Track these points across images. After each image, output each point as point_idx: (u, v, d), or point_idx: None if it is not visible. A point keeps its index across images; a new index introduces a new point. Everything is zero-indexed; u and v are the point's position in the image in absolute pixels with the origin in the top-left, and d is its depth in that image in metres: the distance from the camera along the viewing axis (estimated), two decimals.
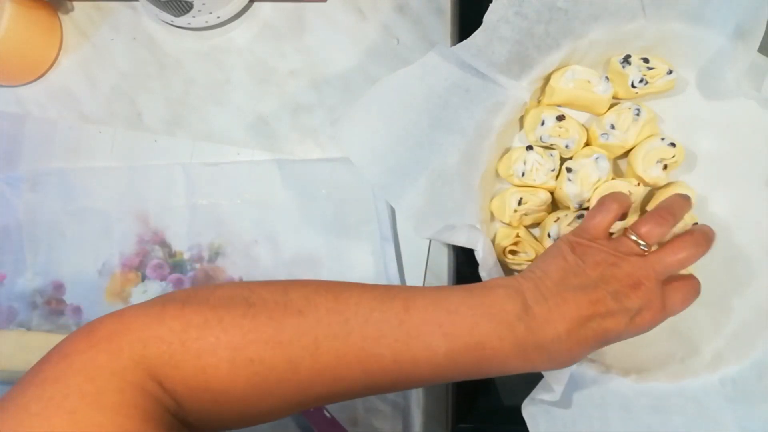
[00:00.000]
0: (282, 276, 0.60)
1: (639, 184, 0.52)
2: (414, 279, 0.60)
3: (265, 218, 0.61)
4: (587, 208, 0.52)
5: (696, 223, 0.52)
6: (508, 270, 0.55)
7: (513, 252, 0.53)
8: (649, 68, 0.52)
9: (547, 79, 0.54)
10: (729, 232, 0.55)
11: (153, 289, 0.61)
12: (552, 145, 0.53)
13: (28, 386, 0.34)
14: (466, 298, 0.39)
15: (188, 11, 0.59)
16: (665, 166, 0.52)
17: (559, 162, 0.53)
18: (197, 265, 0.61)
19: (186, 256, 0.61)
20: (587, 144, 0.54)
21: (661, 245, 0.44)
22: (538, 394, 0.48)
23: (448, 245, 0.58)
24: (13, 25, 0.58)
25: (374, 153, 0.51)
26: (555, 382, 0.47)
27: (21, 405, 0.32)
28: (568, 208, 0.53)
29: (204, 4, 0.59)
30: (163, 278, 0.61)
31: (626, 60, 0.53)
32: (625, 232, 0.44)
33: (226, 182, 0.61)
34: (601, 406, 0.51)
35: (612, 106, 0.54)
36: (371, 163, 0.51)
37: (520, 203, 0.52)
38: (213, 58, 0.63)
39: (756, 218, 0.54)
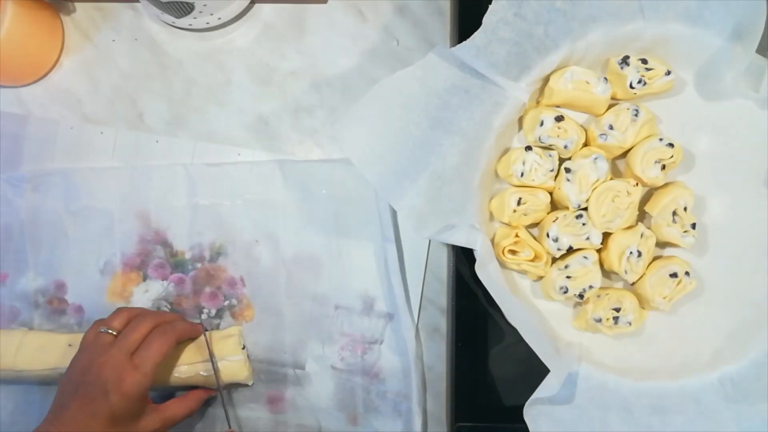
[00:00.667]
0: (283, 276, 0.60)
1: (637, 184, 0.52)
2: (414, 279, 0.60)
3: (266, 218, 0.61)
4: (586, 208, 0.53)
5: (694, 224, 0.52)
6: (506, 269, 0.55)
7: (512, 252, 0.53)
8: (648, 69, 0.53)
9: (546, 80, 0.54)
10: (727, 231, 0.55)
11: (154, 288, 0.61)
12: (551, 145, 0.53)
13: None
14: None
15: (189, 12, 0.60)
16: (663, 167, 0.52)
17: (557, 162, 0.54)
18: (198, 265, 0.61)
19: (187, 255, 0.61)
20: (586, 144, 0.55)
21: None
22: (539, 394, 0.48)
23: (448, 245, 0.59)
24: (14, 27, 0.58)
25: (374, 153, 0.51)
26: (555, 379, 0.47)
27: None
28: (566, 208, 0.53)
29: (205, 5, 0.59)
30: (164, 278, 0.61)
31: (625, 61, 0.53)
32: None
33: (228, 182, 0.62)
34: (601, 407, 0.51)
35: (610, 106, 0.54)
36: (371, 164, 0.51)
37: (519, 203, 0.53)
38: (214, 59, 0.64)
39: (754, 217, 0.55)
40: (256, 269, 0.61)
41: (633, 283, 0.54)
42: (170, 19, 0.61)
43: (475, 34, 0.50)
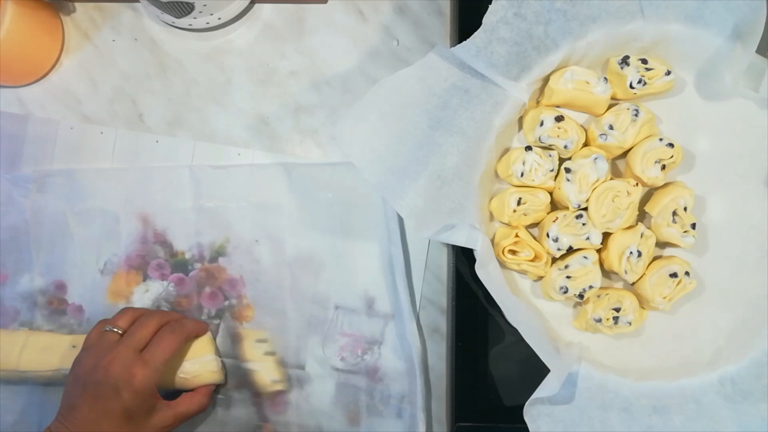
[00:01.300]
0: (283, 276, 0.60)
1: (637, 184, 0.52)
2: (414, 279, 0.60)
3: (269, 220, 0.61)
4: (586, 208, 0.53)
5: (694, 224, 0.52)
6: (506, 269, 0.55)
7: (512, 252, 0.53)
8: (648, 69, 0.53)
9: (546, 80, 0.54)
10: (727, 231, 0.55)
11: (154, 288, 0.61)
12: (551, 145, 0.53)
13: None
14: None
15: (189, 12, 0.60)
16: (663, 167, 0.52)
17: (557, 162, 0.54)
18: (198, 265, 0.61)
19: (187, 255, 0.61)
20: (586, 144, 0.55)
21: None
22: (539, 394, 0.48)
23: (448, 245, 0.59)
24: (14, 27, 0.58)
25: (374, 153, 0.51)
26: (555, 378, 0.47)
27: None
28: (566, 208, 0.53)
29: (205, 5, 0.59)
30: (164, 278, 0.61)
31: (625, 61, 0.53)
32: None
33: (232, 185, 0.62)
34: (601, 408, 0.51)
35: (610, 106, 0.54)
36: (371, 164, 0.51)
37: (519, 203, 0.53)
38: (214, 59, 0.64)
39: (754, 218, 0.54)
40: (256, 269, 0.61)
41: (633, 283, 0.54)
42: (170, 19, 0.61)
43: (475, 34, 0.50)
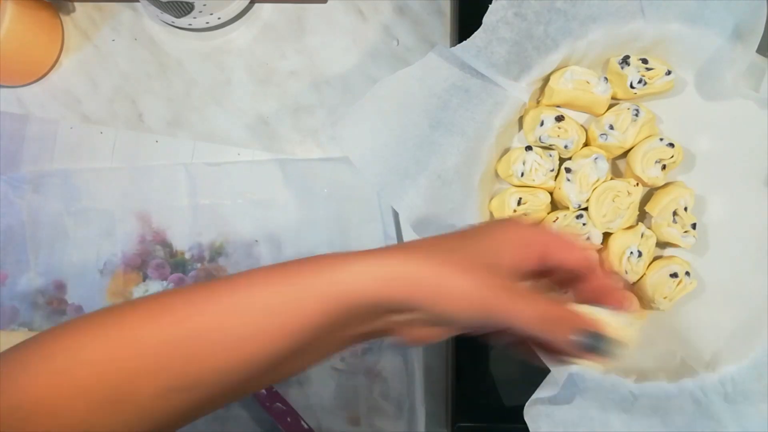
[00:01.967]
0: None
1: (637, 184, 0.52)
2: None
3: (267, 218, 0.61)
4: (586, 208, 0.53)
5: (695, 224, 0.52)
6: None
7: None
8: (648, 69, 0.53)
9: (547, 79, 0.54)
10: (727, 231, 0.55)
11: (154, 288, 0.61)
12: (551, 145, 0.53)
13: None
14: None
15: (189, 12, 0.59)
16: (664, 167, 0.52)
17: (558, 162, 0.54)
18: (198, 265, 0.61)
19: (187, 255, 0.61)
20: (586, 144, 0.55)
21: None
22: (539, 394, 0.48)
23: None
24: (14, 26, 0.58)
25: (374, 153, 0.51)
26: (556, 379, 0.47)
27: None
28: (567, 208, 0.53)
29: (205, 5, 0.59)
30: (164, 278, 0.61)
31: (625, 61, 0.53)
32: None
33: (228, 182, 0.62)
34: (602, 408, 0.51)
35: (611, 106, 0.54)
36: (371, 164, 0.51)
37: (519, 203, 0.53)
38: (214, 59, 0.64)
39: (754, 218, 0.54)
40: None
41: (633, 283, 0.53)
42: (170, 18, 0.61)
43: (475, 33, 0.50)
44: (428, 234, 0.50)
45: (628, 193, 0.52)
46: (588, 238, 0.52)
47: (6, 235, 0.62)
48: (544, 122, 0.52)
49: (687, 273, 0.52)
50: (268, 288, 0.34)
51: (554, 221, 0.52)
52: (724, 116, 0.55)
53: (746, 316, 0.54)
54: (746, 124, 0.54)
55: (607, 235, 0.53)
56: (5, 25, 0.57)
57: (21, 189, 0.62)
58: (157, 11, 0.61)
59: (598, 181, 0.52)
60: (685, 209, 0.52)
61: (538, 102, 0.56)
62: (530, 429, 0.49)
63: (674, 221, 0.52)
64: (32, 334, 0.59)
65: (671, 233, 0.52)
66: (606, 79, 0.53)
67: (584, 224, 0.52)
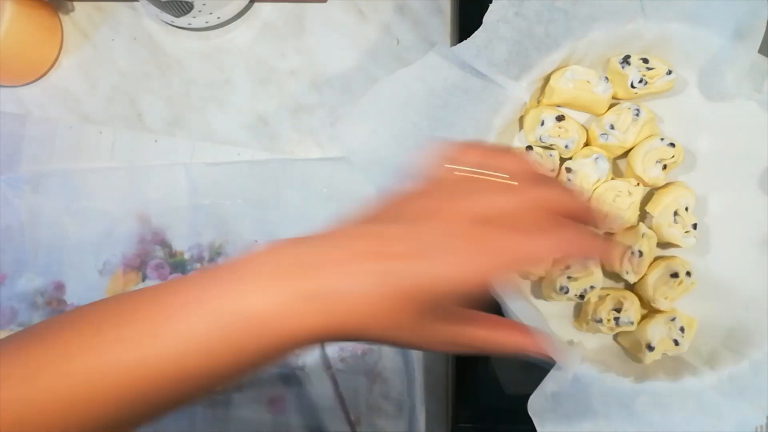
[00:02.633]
0: None
1: (638, 184, 0.52)
2: None
3: (266, 218, 0.61)
4: None
5: (696, 224, 0.52)
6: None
7: None
8: (649, 68, 0.52)
9: (547, 79, 0.54)
10: (728, 231, 0.55)
11: None
12: (551, 145, 0.53)
13: None
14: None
15: (189, 11, 0.59)
16: (665, 167, 0.52)
17: (558, 162, 0.53)
18: (198, 265, 0.61)
19: (186, 256, 0.61)
20: (587, 144, 0.54)
21: None
22: (545, 387, 0.48)
23: None
24: (13, 26, 0.58)
25: (374, 153, 0.51)
26: (563, 372, 0.47)
27: None
28: None
29: (204, 4, 0.59)
30: (163, 278, 0.61)
31: (626, 60, 0.53)
32: None
33: (228, 182, 0.61)
34: (604, 404, 0.51)
35: (611, 106, 0.54)
36: (371, 164, 0.51)
37: None
38: (213, 59, 0.64)
39: (755, 218, 0.54)
40: None
41: (634, 284, 0.53)
42: (169, 18, 0.61)
43: (476, 33, 0.50)
44: None
45: (629, 193, 0.52)
46: None
47: (5, 235, 0.61)
48: (545, 122, 0.52)
49: (688, 273, 0.52)
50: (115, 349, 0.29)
51: None
52: (725, 116, 0.54)
53: (746, 315, 0.54)
54: (748, 124, 0.54)
55: (608, 235, 0.53)
56: (4, 25, 0.57)
57: (20, 189, 0.62)
58: (157, 11, 0.61)
59: (598, 180, 0.52)
60: (686, 209, 0.52)
61: (538, 101, 0.56)
62: (534, 423, 0.49)
63: (675, 221, 0.52)
64: None
65: (672, 233, 0.52)
66: (607, 78, 0.53)
67: None
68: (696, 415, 0.50)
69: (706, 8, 0.52)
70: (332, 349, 0.59)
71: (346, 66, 0.62)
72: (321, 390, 0.59)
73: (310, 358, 0.59)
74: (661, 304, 0.52)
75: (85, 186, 0.62)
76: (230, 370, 0.32)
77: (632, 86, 0.52)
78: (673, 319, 0.52)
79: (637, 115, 0.52)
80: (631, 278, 0.52)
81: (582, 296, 0.52)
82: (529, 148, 0.53)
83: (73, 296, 0.61)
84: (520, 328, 0.38)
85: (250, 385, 0.59)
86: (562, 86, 0.53)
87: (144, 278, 0.61)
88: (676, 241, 0.53)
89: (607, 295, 0.52)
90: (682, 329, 0.52)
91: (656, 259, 0.54)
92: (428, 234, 0.33)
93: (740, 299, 0.54)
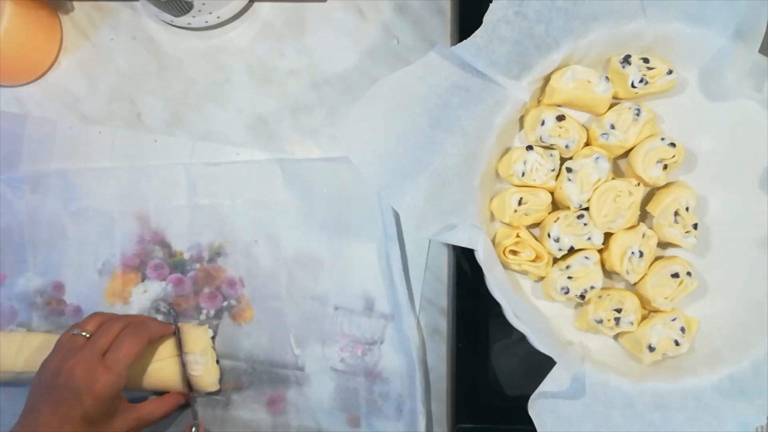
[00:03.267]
0: (282, 276, 0.60)
1: (639, 184, 0.52)
2: (414, 279, 0.60)
3: (266, 218, 0.61)
4: (587, 208, 0.52)
5: (696, 224, 0.52)
6: (508, 270, 0.55)
7: (513, 252, 0.53)
8: (649, 68, 0.52)
9: (547, 79, 0.54)
10: (728, 231, 0.55)
11: (153, 288, 0.61)
12: (552, 145, 0.53)
13: None
14: None
15: (188, 11, 0.59)
16: (665, 166, 0.52)
17: (559, 162, 0.53)
18: (197, 265, 0.61)
19: (186, 256, 0.61)
20: (587, 144, 0.54)
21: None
22: (546, 387, 0.48)
23: (448, 245, 0.58)
24: (13, 26, 0.58)
25: (374, 153, 0.51)
26: (564, 372, 0.47)
27: None
28: (568, 208, 0.53)
29: (204, 4, 0.59)
30: (163, 278, 0.61)
31: (626, 60, 0.52)
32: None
33: (227, 182, 0.61)
34: (605, 405, 0.51)
35: (612, 106, 0.54)
36: (371, 163, 0.51)
37: (520, 203, 0.52)
38: (213, 58, 0.63)
39: (755, 218, 0.54)
40: (255, 269, 0.61)
41: (634, 284, 0.53)
42: (169, 17, 0.61)
43: (476, 32, 0.50)
44: (427, 234, 0.50)
45: (630, 192, 0.52)
46: (589, 239, 0.52)
47: (4, 235, 0.61)
48: (545, 122, 0.52)
49: (688, 273, 0.52)
50: None
51: (555, 221, 0.52)
52: (725, 116, 0.54)
53: (746, 315, 0.54)
54: (748, 124, 0.54)
55: (608, 235, 0.53)
56: (4, 24, 0.57)
57: (19, 189, 0.62)
58: (156, 10, 0.61)
59: (599, 180, 0.52)
60: (687, 209, 0.52)
61: (539, 101, 0.56)
62: (535, 423, 0.49)
63: (675, 221, 0.52)
64: (28, 334, 0.59)
65: (672, 233, 0.52)
66: (607, 78, 0.53)
67: (585, 224, 0.52)
68: (696, 415, 0.50)
69: (706, 8, 0.52)
70: (331, 350, 0.59)
71: (345, 65, 0.62)
72: (320, 390, 0.59)
73: (309, 358, 0.59)
74: (661, 304, 0.52)
75: (84, 186, 0.62)
76: None
77: (633, 86, 0.52)
78: (674, 320, 0.52)
79: (638, 114, 0.52)
80: (632, 278, 0.52)
81: (582, 296, 0.52)
82: (530, 148, 0.53)
83: (73, 296, 0.61)
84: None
85: (250, 385, 0.59)
86: (563, 86, 0.53)
87: (143, 278, 0.61)
88: (676, 242, 0.53)
89: (608, 295, 0.52)
90: (682, 329, 0.52)
91: (656, 259, 0.54)
92: (76, 385, 0.50)
93: (740, 299, 0.54)
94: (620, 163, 0.56)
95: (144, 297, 0.61)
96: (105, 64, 0.64)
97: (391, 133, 0.52)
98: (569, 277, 0.52)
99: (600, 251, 0.53)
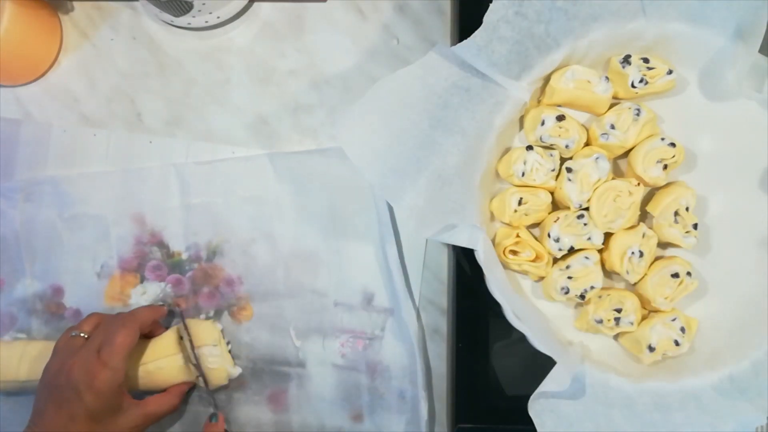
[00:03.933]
0: (281, 273, 0.60)
1: (639, 184, 0.52)
2: (412, 277, 0.60)
3: (261, 214, 0.61)
4: (587, 208, 0.52)
5: (696, 224, 0.52)
6: (508, 270, 0.55)
7: (513, 252, 0.53)
8: (649, 68, 0.52)
9: (547, 79, 0.54)
10: (728, 231, 0.55)
11: (152, 290, 0.61)
12: (552, 145, 0.53)
13: None
14: None
15: (188, 11, 0.59)
16: (665, 166, 0.52)
17: (559, 162, 0.53)
18: (195, 265, 0.61)
19: (184, 256, 0.61)
20: (587, 144, 0.54)
21: None
22: (546, 387, 0.48)
23: (448, 245, 0.58)
24: (13, 26, 0.58)
25: (374, 153, 0.51)
26: (564, 371, 0.47)
27: None
28: (568, 208, 0.53)
29: (204, 4, 0.59)
30: (161, 279, 0.61)
31: (626, 60, 0.52)
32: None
33: (219, 180, 0.61)
34: (605, 405, 0.51)
35: (612, 106, 0.54)
36: (371, 163, 0.51)
37: (520, 203, 0.52)
38: (213, 58, 0.63)
39: (755, 218, 0.54)
40: (254, 268, 0.61)
41: (635, 284, 0.53)
42: (169, 17, 0.61)
43: (476, 32, 0.50)
44: (427, 234, 0.50)
45: (630, 192, 0.52)
46: (589, 239, 0.52)
47: (2, 245, 0.61)
48: (545, 122, 0.52)
49: (688, 273, 0.52)
50: None
51: (555, 221, 0.52)
52: (726, 116, 0.54)
53: (746, 315, 0.54)
54: (748, 124, 0.54)
55: (608, 235, 0.53)
56: (4, 24, 0.57)
57: (13, 199, 0.61)
58: (156, 10, 0.61)
59: (599, 180, 0.52)
60: (687, 209, 0.52)
61: (539, 101, 0.56)
62: (535, 423, 0.49)
63: (675, 221, 0.52)
64: (29, 343, 0.58)
65: (672, 233, 0.52)
66: (607, 78, 0.53)
67: (585, 224, 0.52)
68: (696, 415, 0.50)
69: (706, 8, 0.52)
70: (332, 346, 0.59)
71: (345, 65, 0.62)
72: (322, 386, 0.59)
73: (310, 354, 0.59)
74: (661, 304, 0.52)
75: (77, 191, 0.62)
76: None
77: (633, 86, 0.52)
78: (674, 320, 0.52)
79: (638, 114, 0.52)
80: (632, 278, 0.52)
81: (582, 296, 0.52)
82: (530, 147, 0.53)
83: (72, 300, 0.61)
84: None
85: (251, 382, 0.59)
86: (563, 86, 0.53)
87: (142, 280, 0.61)
88: (676, 242, 0.53)
89: (608, 295, 0.52)
90: (682, 329, 0.52)
91: (656, 259, 0.53)
92: (75, 382, 0.51)
93: (740, 299, 0.54)
94: (620, 163, 0.56)
95: (143, 298, 0.61)
96: (105, 64, 0.64)
97: (391, 133, 0.52)
98: (569, 277, 0.52)
99: (600, 251, 0.53)
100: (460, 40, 0.50)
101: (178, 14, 0.60)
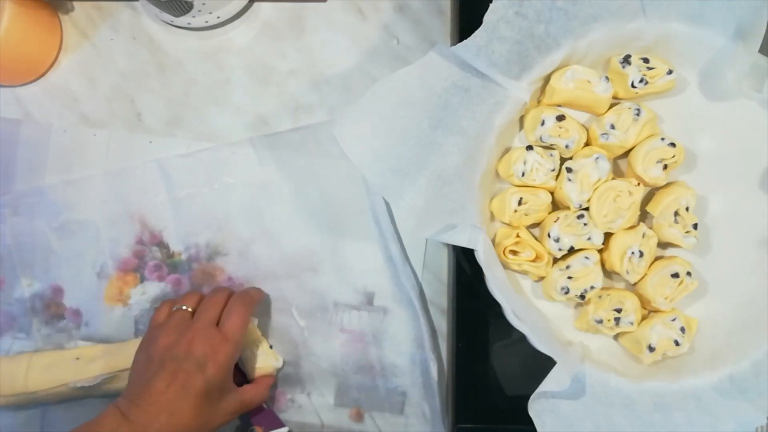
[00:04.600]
0: (281, 273, 0.60)
1: (639, 184, 0.52)
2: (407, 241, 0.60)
3: (249, 200, 0.61)
4: (587, 208, 0.52)
5: (696, 224, 0.52)
6: (508, 270, 0.55)
7: (513, 252, 0.53)
8: (649, 68, 0.52)
9: (547, 79, 0.54)
10: (728, 231, 0.55)
11: (152, 290, 0.61)
12: (552, 145, 0.53)
13: None
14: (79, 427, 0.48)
15: (188, 11, 0.59)
16: (665, 166, 0.52)
17: (559, 162, 0.53)
18: (195, 265, 0.61)
19: (183, 256, 0.61)
20: (587, 144, 0.54)
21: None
22: (546, 386, 0.48)
23: (448, 245, 0.58)
24: (13, 25, 0.58)
25: (374, 153, 0.51)
26: (564, 371, 0.47)
27: None
28: (568, 208, 0.53)
29: (204, 4, 0.59)
30: (161, 279, 0.61)
31: (626, 60, 0.52)
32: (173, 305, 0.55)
33: (202, 169, 0.61)
34: (605, 405, 0.51)
35: (612, 106, 0.54)
36: (371, 163, 0.51)
37: (520, 203, 0.52)
38: (213, 58, 0.63)
39: (755, 218, 0.54)
40: (254, 268, 0.61)
41: (634, 284, 0.53)
42: (169, 17, 0.61)
43: (476, 32, 0.50)
44: (427, 234, 0.50)
45: (630, 192, 0.52)
46: (589, 239, 0.52)
47: None
48: (545, 122, 0.52)
49: (688, 273, 0.52)
50: None
51: (555, 221, 0.52)
52: (725, 116, 0.54)
53: (746, 315, 0.54)
54: (748, 124, 0.54)
55: (608, 235, 0.53)
56: (4, 24, 0.57)
57: (1, 214, 0.61)
58: (156, 10, 0.61)
59: (599, 180, 0.52)
60: (687, 209, 0.52)
61: (539, 101, 0.56)
62: (535, 423, 0.49)
63: (675, 221, 0.52)
64: (34, 354, 0.57)
65: (672, 233, 0.52)
66: (607, 78, 0.53)
67: (585, 224, 0.52)
68: (696, 415, 0.50)
69: (706, 8, 0.52)
70: (332, 345, 0.59)
71: (345, 65, 0.62)
72: (322, 387, 0.59)
73: (309, 354, 0.59)
74: (661, 304, 0.52)
75: (63, 199, 0.61)
76: None
77: (633, 86, 0.52)
78: (674, 320, 0.52)
79: (638, 114, 0.52)
80: (632, 278, 0.52)
81: (582, 296, 0.52)
82: (530, 148, 0.53)
83: (72, 300, 0.61)
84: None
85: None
86: (563, 86, 0.53)
87: (142, 280, 0.61)
88: (676, 242, 0.53)
89: (608, 295, 0.52)
90: (682, 329, 0.52)
91: (656, 259, 0.53)
92: (196, 354, 0.51)
93: (740, 299, 0.54)
94: (620, 163, 0.56)
95: (143, 298, 0.61)
96: (105, 64, 0.64)
97: (390, 133, 0.52)
98: (569, 277, 0.52)
99: (600, 251, 0.53)
100: (460, 40, 0.50)
101: (178, 14, 0.60)
